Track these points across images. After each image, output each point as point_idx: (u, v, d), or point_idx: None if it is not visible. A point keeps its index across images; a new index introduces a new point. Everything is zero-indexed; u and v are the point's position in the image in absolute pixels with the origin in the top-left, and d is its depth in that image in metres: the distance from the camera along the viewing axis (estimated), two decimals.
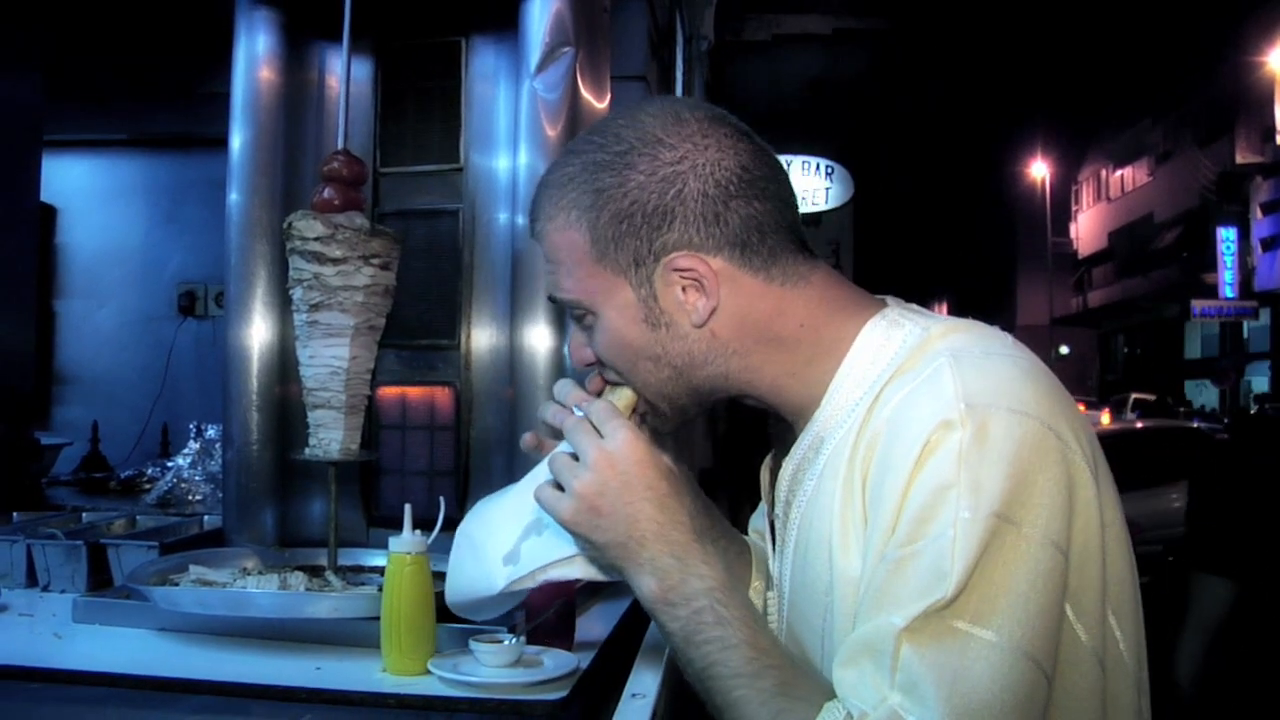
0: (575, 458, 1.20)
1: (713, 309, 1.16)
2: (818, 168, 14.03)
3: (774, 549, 1.28)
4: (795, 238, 1.19)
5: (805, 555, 1.16)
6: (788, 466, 1.21)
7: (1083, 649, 1.01)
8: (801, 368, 1.18)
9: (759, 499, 1.49)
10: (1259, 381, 28.77)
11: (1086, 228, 40.93)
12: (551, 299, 1.25)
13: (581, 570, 1.24)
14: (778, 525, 1.25)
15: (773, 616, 1.27)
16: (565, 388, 1.27)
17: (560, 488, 1.20)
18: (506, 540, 1.26)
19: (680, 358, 1.18)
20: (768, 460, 1.37)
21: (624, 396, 1.23)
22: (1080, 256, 40.92)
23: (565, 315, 2.28)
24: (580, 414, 1.23)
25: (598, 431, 1.19)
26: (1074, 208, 42.04)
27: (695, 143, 1.14)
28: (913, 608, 0.95)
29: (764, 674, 1.05)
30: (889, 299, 1.23)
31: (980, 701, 0.93)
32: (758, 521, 1.50)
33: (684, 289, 1.16)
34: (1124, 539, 1.07)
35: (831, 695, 1.02)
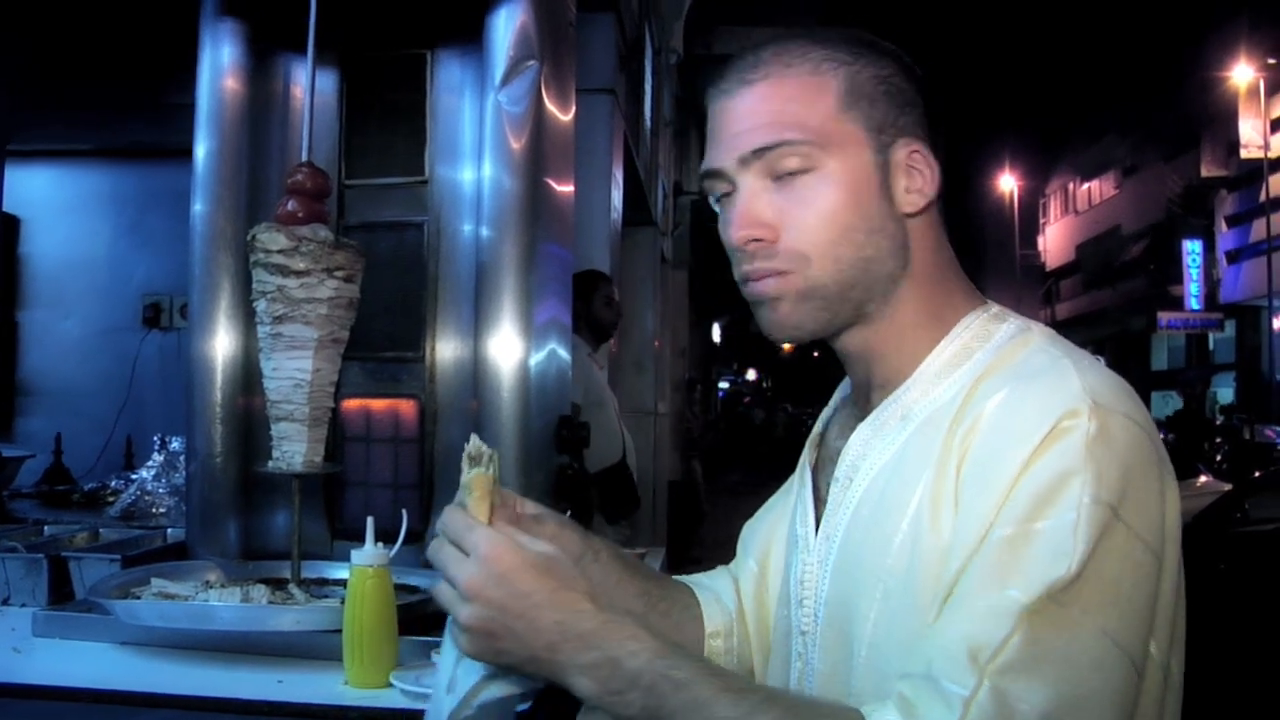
0: None
1: (925, 205, 1.18)
2: None
3: (817, 511, 1.26)
4: None
5: (874, 520, 1.14)
6: (861, 432, 1.20)
7: (1152, 661, 1.02)
8: (926, 321, 1.19)
9: (743, 512, 1.50)
10: (1224, 393, 29.03)
11: (1054, 240, 41.24)
12: (760, 150, 1.15)
13: (512, 685, 1.12)
14: (834, 488, 1.22)
15: (808, 582, 1.24)
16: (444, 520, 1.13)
17: None
18: (448, 665, 1.14)
19: (886, 239, 1.17)
20: (813, 439, 1.36)
21: (478, 483, 1.13)
22: (1048, 269, 41.25)
23: (530, 325, 2.29)
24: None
25: (460, 547, 1.08)
26: (1042, 220, 42.37)
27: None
28: (1034, 583, 0.94)
29: (760, 709, 0.99)
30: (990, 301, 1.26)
31: (1084, 694, 0.93)
32: (750, 536, 1.48)
33: (911, 175, 1.17)
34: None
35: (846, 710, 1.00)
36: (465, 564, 1.06)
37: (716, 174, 1.20)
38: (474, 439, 1.15)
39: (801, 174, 1.14)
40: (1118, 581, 0.96)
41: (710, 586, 1.47)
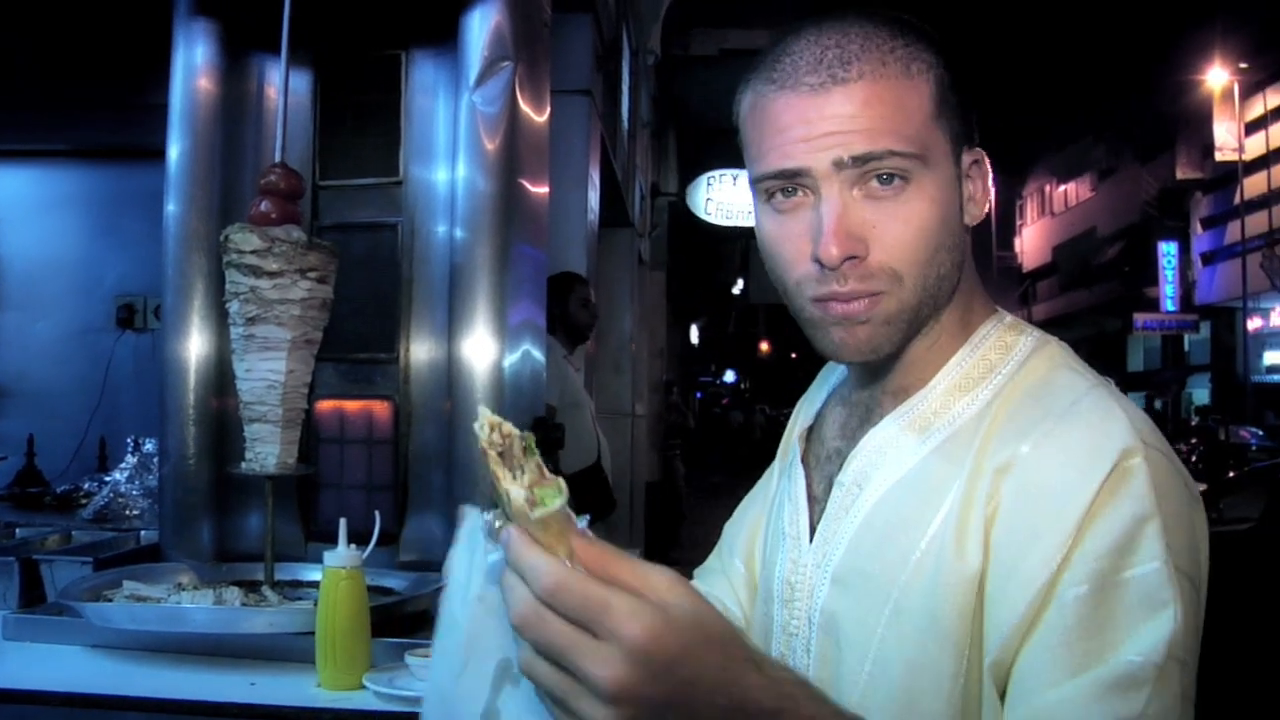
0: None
1: (985, 214, 1.13)
2: None
3: (811, 511, 1.21)
4: None
5: (887, 534, 1.09)
6: (874, 437, 1.15)
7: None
8: (955, 330, 1.15)
9: (722, 514, 1.47)
10: (1199, 394, 29.24)
11: (1031, 242, 41.49)
12: (862, 158, 1.04)
13: None
14: (836, 490, 1.16)
15: (799, 584, 1.19)
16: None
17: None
18: (479, 691, 0.86)
19: (958, 254, 1.11)
20: (801, 431, 1.31)
21: (554, 523, 0.78)
22: (1025, 270, 41.49)
23: (504, 326, 2.29)
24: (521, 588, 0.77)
25: (585, 625, 0.76)
26: (1018, 222, 42.62)
27: None
28: (1149, 642, 0.93)
29: None
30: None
31: None
32: (733, 536, 1.45)
33: (971, 185, 1.12)
34: None
35: None
36: (605, 656, 0.75)
37: (797, 174, 1.07)
38: (485, 414, 0.83)
39: (895, 186, 1.05)
40: (1189, 626, 0.95)
41: (713, 595, 1.40)
